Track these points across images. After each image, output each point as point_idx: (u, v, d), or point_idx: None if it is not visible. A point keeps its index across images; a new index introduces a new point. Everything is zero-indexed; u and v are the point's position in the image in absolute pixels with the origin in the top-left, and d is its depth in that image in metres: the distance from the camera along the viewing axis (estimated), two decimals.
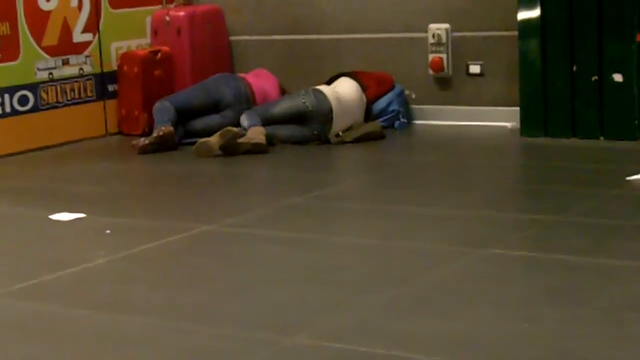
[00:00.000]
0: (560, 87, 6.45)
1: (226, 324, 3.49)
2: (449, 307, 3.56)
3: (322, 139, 6.69)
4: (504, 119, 6.91)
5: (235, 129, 6.46)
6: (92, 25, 7.36)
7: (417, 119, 7.29)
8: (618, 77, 6.30)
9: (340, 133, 6.71)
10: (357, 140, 6.68)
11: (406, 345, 3.22)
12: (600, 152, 6.12)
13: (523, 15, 6.52)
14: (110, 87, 7.47)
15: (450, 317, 3.45)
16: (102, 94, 7.43)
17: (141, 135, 7.10)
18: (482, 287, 3.77)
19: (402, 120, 7.14)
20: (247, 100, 7.01)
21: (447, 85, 7.27)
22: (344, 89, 6.90)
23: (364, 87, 6.98)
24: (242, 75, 7.28)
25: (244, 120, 6.68)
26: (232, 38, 7.94)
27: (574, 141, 6.37)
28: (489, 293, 3.69)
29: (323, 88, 6.84)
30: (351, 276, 3.98)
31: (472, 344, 3.21)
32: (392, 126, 7.09)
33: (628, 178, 5.23)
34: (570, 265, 3.95)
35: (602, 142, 6.31)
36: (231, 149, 6.39)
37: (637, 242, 4.21)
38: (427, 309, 3.56)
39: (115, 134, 7.48)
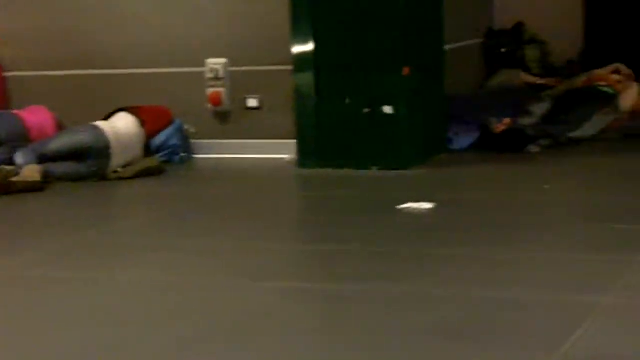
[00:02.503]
0: (334, 120, 6.64)
1: None
2: (232, 341, 3.60)
3: (101, 175, 6.65)
4: (282, 151, 7.06)
5: (7, 168, 6.38)
6: None
7: (198, 153, 7.35)
8: (388, 109, 6.54)
9: (119, 169, 6.69)
10: (136, 176, 6.67)
11: None
12: (373, 181, 6.34)
13: (297, 49, 6.69)
14: None
15: (233, 352, 3.49)
16: None
17: None
18: (262, 321, 3.82)
19: (181, 154, 7.19)
20: (22, 137, 6.89)
21: (226, 119, 7.37)
22: (122, 125, 6.88)
23: (142, 122, 6.98)
24: (16, 111, 7.14)
25: (19, 158, 6.57)
26: (7, 74, 7.78)
27: (348, 171, 6.56)
28: (272, 326, 3.75)
29: (100, 124, 6.81)
30: (134, 315, 3.97)
31: None
32: (172, 161, 7.12)
33: (399, 207, 5.43)
34: (349, 295, 4.07)
35: (374, 171, 6.53)
36: (4, 188, 6.25)
37: (413, 267, 4.36)
38: (211, 345, 3.58)
39: None
